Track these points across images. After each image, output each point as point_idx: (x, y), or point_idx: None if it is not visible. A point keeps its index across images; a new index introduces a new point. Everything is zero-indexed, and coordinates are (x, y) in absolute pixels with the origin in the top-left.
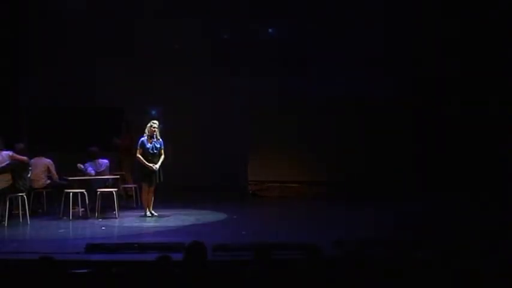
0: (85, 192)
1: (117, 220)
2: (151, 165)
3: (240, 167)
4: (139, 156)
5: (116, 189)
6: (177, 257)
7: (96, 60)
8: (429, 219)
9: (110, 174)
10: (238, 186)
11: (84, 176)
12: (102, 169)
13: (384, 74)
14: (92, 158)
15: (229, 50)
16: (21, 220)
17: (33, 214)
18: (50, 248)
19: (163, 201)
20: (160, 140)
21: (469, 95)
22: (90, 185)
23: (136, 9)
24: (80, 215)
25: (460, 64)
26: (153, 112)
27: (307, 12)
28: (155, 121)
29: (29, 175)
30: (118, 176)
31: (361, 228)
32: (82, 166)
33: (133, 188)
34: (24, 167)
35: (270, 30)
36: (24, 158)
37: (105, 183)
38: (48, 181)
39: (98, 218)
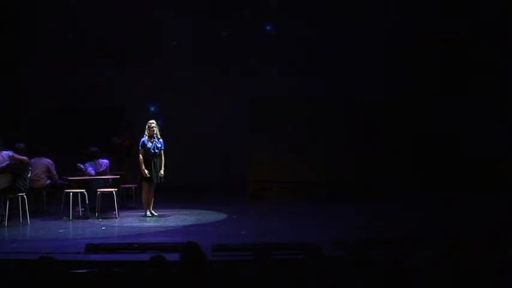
0: (85, 192)
1: (117, 220)
2: (147, 171)
3: (240, 167)
4: (140, 157)
5: (116, 189)
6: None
7: (96, 60)
8: (429, 219)
9: (110, 174)
10: (239, 186)
11: (84, 176)
12: (102, 169)
13: (383, 75)
14: (92, 158)
15: (229, 49)
16: (21, 220)
17: (33, 214)
18: (50, 248)
19: (163, 201)
20: (161, 140)
21: (467, 95)
22: (90, 185)
23: (136, 9)
24: (80, 215)
25: (458, 64)
26: (152, 108)
27: (306, 12)
28: (152, 120)
29: (29, 175)
30: (118, 176)
31: (361, 228)
32: (82, 166)
33: (133, 188)
34: (24, 167)
35: (268, 28)
36: (24, 158)
37: (105, 183)
38: (48, 181)
39: (98, 218)
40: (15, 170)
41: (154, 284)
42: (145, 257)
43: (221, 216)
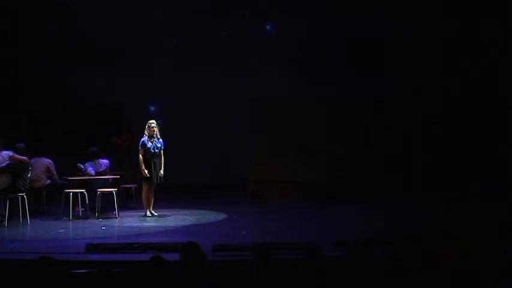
0: (85, 192)
1: (117, 220)
2: (147, 171)
3: (240, 166)
4: (140, 157)
5: (116, 189)
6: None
7: (96, 60)
8: (429, 219)
9: (110, 174)
10: (239, 186)
11: (84, 176)
12: (102, 169)
13: (383, 74)
14: (92, 158)
15: (229, 49)
16: (21, 220)
17: (33, 214)
18: (50, 248)
19: (163, 201)
20: (161, 140)
21: (467, 95)
22: (90, 185)
23: (136, 9)
24: (80, 215)
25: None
26: (152, 108)
27: (306, 12)
28: (152, 120)
29: (29, 175)
30: (118, 176)
31: (361, 228)
32: (82, 166)
33: (133, 188)
34: (24, 167)
35: (268, 28)
36: (24, 158)
37: (105, 183)
38: (48, 181)
39: (98, 218)
40: (15, 170)
41: (154, 284)
42: (145, 257)
43: (221, 216)
